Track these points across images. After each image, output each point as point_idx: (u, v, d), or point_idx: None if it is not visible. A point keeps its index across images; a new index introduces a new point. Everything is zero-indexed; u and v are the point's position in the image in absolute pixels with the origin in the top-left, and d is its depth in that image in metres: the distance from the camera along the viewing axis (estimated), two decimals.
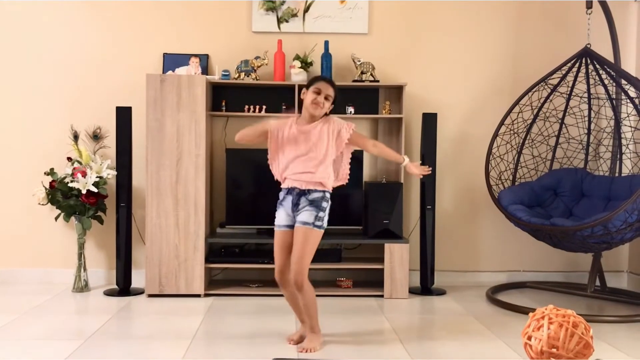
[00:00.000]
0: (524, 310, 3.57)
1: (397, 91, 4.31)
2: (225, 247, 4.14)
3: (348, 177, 3.06)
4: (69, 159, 4.15)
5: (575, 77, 4.13)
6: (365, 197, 4.17)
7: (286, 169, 2.96)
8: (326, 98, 2.94)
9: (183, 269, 3.94)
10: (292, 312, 3.60)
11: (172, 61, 4.24)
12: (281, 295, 3.87)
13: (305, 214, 2.90)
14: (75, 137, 4.18)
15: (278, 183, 3.03)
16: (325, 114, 3.00)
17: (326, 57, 4.21)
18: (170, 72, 4.08)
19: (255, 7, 4.33)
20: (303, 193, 2.92)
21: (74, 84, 4.32)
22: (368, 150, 3.10)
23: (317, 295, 3.93)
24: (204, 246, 3.96)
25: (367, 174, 4.37)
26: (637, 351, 2.97)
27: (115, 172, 4.02)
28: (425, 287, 4.16)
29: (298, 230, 2.90)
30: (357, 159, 4.20)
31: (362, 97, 4.29)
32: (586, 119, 4.28)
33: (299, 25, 4.35)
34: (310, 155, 2.91)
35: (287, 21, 4.34)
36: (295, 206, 2.92)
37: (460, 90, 4.44)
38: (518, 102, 4.16)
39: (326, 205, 2.95)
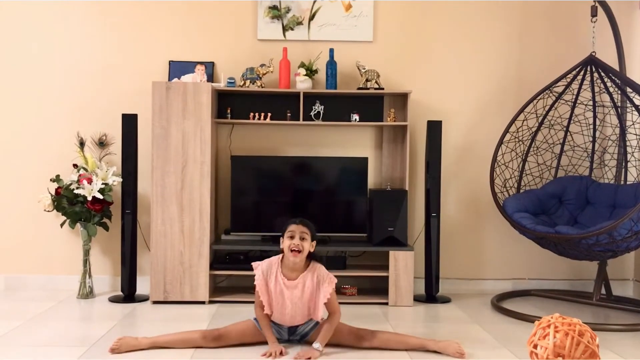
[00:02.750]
0: (529, 319, 3.55)
1: (401, 99, 4.31)
2: (230, 254, 4.14)
3: (320, 317, 3.03)
4: (75, 165, 4.17)
5: (580, 84, 4.13)
6: (369, 204, 4.17)
7: (275, 312, 3.01)
8: (303, 238, 2.90)
9: (188, 276, 3.94)
10: None
11: (178, 69, 4.26)
12: None
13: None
14: (81, 143, 4.20)
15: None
16: (311, 256, 2.98)
17: (331, 64, 4.23)
18: (175, 79, 4.10)
19: (261, 15, 4.35)
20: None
21: (80, 91, 4.34)
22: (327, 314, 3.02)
23: None
24: (209, 253, 3.97)
25: (371, 181, 4.38)
26: None
27: (120, 179, 4.03)
28: (430, 294, 4.15)
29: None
30: (361, 167, 4.23)
31: (366, 104, 4.30)
32: (591, 126, 4.27)
33: (304, 33, 4.37)
34: (301, 309, 2.97)
35: (292, 29, 4.36)
36: (293, 333, 3.04)
37: (465, 97, 4.45)
38: (523, 110, 4.16)
39: None
